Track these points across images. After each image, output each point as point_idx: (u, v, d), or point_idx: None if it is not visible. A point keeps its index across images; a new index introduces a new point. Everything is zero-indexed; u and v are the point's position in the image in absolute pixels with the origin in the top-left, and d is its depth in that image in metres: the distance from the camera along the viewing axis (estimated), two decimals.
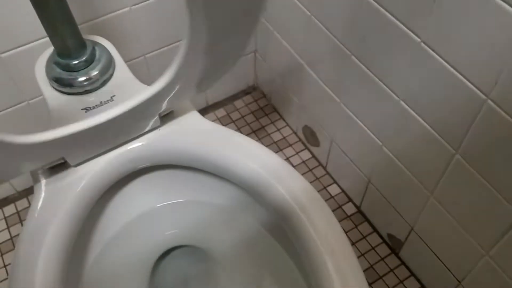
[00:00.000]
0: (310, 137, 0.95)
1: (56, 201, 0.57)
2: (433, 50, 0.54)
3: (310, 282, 0.55)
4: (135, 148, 0.60)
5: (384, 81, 0.65)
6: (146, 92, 0.52)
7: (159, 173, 0.65)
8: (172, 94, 0.55)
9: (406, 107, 0.63)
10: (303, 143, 0.99)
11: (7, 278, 0.86)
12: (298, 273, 0.64)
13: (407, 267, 0.83)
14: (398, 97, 0.64)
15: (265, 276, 0.68)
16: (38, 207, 0.57)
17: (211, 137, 0.61)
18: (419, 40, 0.55)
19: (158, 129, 0.61)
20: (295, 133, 1.00)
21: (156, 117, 0.60)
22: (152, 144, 0.61)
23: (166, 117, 0.62)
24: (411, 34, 0.56)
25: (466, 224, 0.63)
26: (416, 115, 0.62)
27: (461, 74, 0.52)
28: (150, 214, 0.70)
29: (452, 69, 0.52)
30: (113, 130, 0.56)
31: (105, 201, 0.65)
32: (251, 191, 0.58)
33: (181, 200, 0.69)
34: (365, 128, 0.74)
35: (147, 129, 0.60)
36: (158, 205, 0.69)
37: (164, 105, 0.57)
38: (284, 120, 1.03)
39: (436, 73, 0.55)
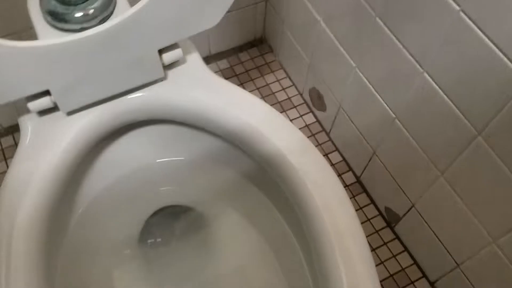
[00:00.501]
0: (316, 100, 0.90)
1: (43, 148, 0.53)
2: (473, 22, 0.49)
3: (304, 237, 0.53)
4: (135, 99, 0.55)
5: (409, 49, 0.60)
6: (140, 3, 0.47)
7: (157, 127, 0.61)
8: (172, 18, 0.49)
9: (430, 80, 0.58)
10: (308, 106, 0.94)
11: None
12: (288, 228, 0.62)
13: (401, 242, 0.82)
14: (422, 69, 0.59)
15: (254, 232, 0.65)
16: (23, 153, 0.53)
17: (217, 95, 0.56)
18: (458, 8, 0.50)
19: (162, 80, 0.56)
20: (301, 94, 0.95)
21: (160, 66, 0.54)
22: (153, 96, 0.56)
23: (171, 69, 0.57)
24: (450, 0, 0.50)
25: (475, 209, 0.60)
26: (439, 90, 0.57)
27: (503, 53, 0.47)
28: (143, 170, 0.66)
29: (492, 46, 0.48)
30: (107, 63, 0.50)
31: (98, 151, 0.61)
32: (252, 152, 0.54)
33: (178, 158, 0.65)
34: (379, 98, 0.70)
35: (150, 79, 0.55)
36: (153, 161, 0.65)
37: (166, 38, 0.52)
38: (290, 79, 0.97)
39: (472, 48, 0.50)
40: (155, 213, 0.68)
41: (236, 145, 0.57)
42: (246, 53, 1.01)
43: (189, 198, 0.66)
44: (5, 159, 0.89)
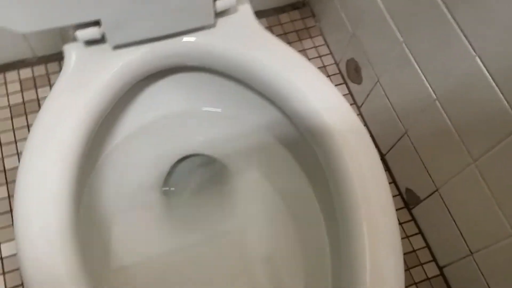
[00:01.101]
0: (352, 72, 0.89)
1: (85, 78, 0.53)
2: None
3: (328, 202, 0.53)
4: (183, 42, 0.55)
5: (464, 30, 0.58)
6: None
7: (198, 75, 0.60)
8: None
9: (481, 66, 0.57)
10: (342, 77, 0.93)
11: (14, 142, 0.84)
12: (312, 191, 0.62)
13: (417, 225, 0.82)
14: (475, 53, 0.57)
15: (276, 191, 0.66)
16: (65, 82, 0.53)
17: (264, 49, 0.55)
18: None
19: (210, 28, 0.55)
20: (337, 64, 0.94)
21: (211, 11, 0.54)
22: (200, 42, 0.55)
23: (221, 17, 0.56)
24: None
25: (502, 202, 0.60)
26: (489, 78, 0.56)
27: None
28: (177, 116, 0.66)
29: None
30: (161, 1, 0.50)
31: (137, 90, 0.61)
32: (291, 113, 0.54)
33: (215, 109, 0.65)
34: (422, 76, 0.69)
35: (199, 24, 0.54)
36: (188, 109, 0.65)
37: None
38: (328, 47, 0.96)
39: None
40: (181, 160, 0.68)
41: (274, 103, 0.57)
42: (286, 15, 0.99)
43: (217, 150, 0.66)
44: (36, 88, 0.89)
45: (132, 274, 0.59)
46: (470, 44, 0.58)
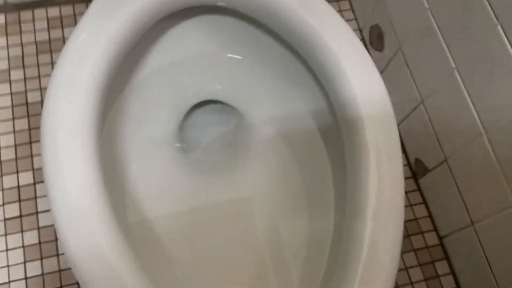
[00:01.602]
0: (375, 39, 0.89)
1: (112, 10, 0.53)
2: None
3: (339, 157, 0.55)
4: None
5: (491, 2, 0.58)
6: None
7: (224, 19, 0.61)
8: None
9: (503, 36, 0.57)
10: (365, 43, 0.93)
11: (38, 77, 0.86)
12: (324, 147, 0.63)
13: (422, 195, 0.84)
14: (497, 21, 0.57)
15: (288, 145, 0.67)
16: (89, 18, 0.54)
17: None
18: None
19: None
20: (361, 30, 0.94)
21: None
22: None
23: None
24: None
25: (509, 173, 0.61)
26: (510, 49, 0.56)
27: None
28: (198, 59, 0.67)
29: None
30: None
31: (161, 29, 0.62)
32: (319, 72, 0.55)
33: (236, 56, 0.66)
34: (444, 45, 0.69)
35: None
36: (210, 53, 0.66)
37: None
38: (353, 12, 0.95)
39: None
40: (198, 105, 0.69)
41: (298, 54, 0.57)
42: None
43: (235, 97, 0.67)
44: (62, 27, 0.91)
45: (151, 227, 0.61)
46: (494, 13, 0.58)
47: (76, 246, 0.44)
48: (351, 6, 0.96)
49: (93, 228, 0.44)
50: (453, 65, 0.68)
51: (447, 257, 0.79)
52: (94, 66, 0.52)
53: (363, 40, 0.93)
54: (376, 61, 0.91)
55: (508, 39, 0.56)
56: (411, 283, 0.78)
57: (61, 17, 0.92)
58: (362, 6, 0.92)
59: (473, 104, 0.65)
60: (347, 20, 0.95)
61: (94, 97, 0.51)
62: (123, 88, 0.65)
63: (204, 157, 0.71)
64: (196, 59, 0.65)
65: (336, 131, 0.56)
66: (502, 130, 0.61)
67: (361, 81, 0.52)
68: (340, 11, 0.96)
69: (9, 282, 0.72)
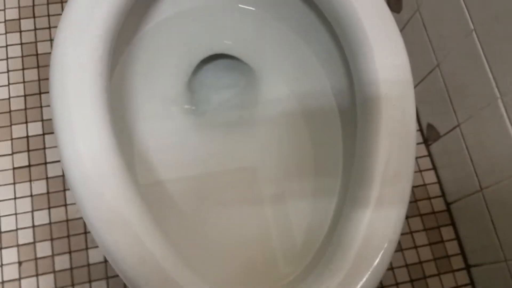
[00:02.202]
0: (393, 0, 0.86)
1: None
2: None
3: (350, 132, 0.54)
4: None
5: None
6: None
7: None
8: None
9: None
10: None
11: (49, 28, 0.85)
12: (336, 107, 0.62)
13: (432, 161, 0.83)
14: None
15: (299, 105, 0.65)
16: None
17: None
18: None
19: None
20: None
21: None
22: None
23: None
24: None
25: None
26: None
27: None
28: (210, 9, 0.65)
29: None
30: None
31: None
32: (333, 19, 0.53)
33: (250, 7, 0.64)
34: (464, 6, 0.66)
35: None
36: (222, 3, 0.64)
37: None
38: None
39: None
40: (208, 59, 0.68)
41: (316, 9, 0.56)
42: None
43: (246, 52, 0.66)
44: None
45: (159, 188, 0.60)
46: None
47: (94, 209, 0.43)
48: None
49: (109, 189, 0.43)
50: (472, 27, 0.66)
51: (453, 223, 0.79)
52: (103, 12, 0.51)
53: None
54: None
55: None
56: (415, 247, 0.78)
57: None
58: None
59: (490, 68, 0.63)
60: None
61: (103, 44, 0.50)
62: (132, 38, 0.64)
63: (213, 116, 0.70)
64: (206, 9, 0.64)
65: (351, 98, 0.55)
66: None
67: (385, 56, 0.50)
68: None
69: (17, 229, 0.73)
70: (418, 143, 0.84)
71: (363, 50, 0.49)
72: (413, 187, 0.82)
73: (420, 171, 0.82)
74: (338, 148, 0.61)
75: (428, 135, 0.83)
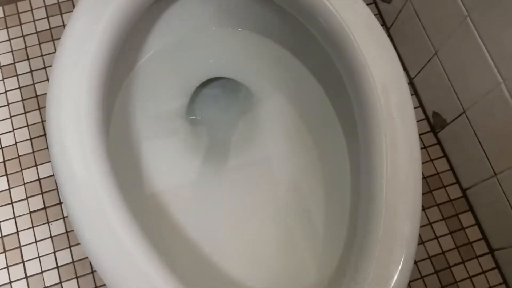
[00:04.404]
0: None
1: None
2: None
3: (351, 123, 0.53)
4: None
5: None
6: None
7: None
8: None
9: None
10: None
11: (44, 68, 0.86)
12: (335, 115, 0.62)
13: (442, 148, 0.82)
14: None
15: (299, 117, 0.66)
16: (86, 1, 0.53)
17: None
18: None
19: None
20: None
21: None
22: None
23: None
24: None
25: None
26: None
27: None
28: (200, 36, 0.65)
29: None
30: None
31: (161, 7, 0.60)
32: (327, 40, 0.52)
33: (239, 29, 0.63)
34: None
35: None
36: (213, 28, 0.64)
37: None
38: None
39: None
40: (205, 83, 0.68)
41: (299, 22, 0.55)
42: None
43: (240, 73, 0.66)
44: (61, 14, 0.89)
45: (164, 201, 0.61)
46: None
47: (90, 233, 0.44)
48: None
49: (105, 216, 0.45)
50: (466, 13, 0.64)
51: (471, 209, 0.78)
52: (95, 48, 0.51)
53: None
54: (385, 14, 0.88)
55: None
56: (436, 237, 0.77)
57: (59, 4, 0.90)
58: None
59: (489, 52, 0.62)
60: None
61: (98, 79, 0.51)
62: (130, 69, 0.64)
63: (215, 136, 0.70)
64: (198, 35, 0.64)
65: (350, 113, 0.55)
66: None
67: (371, 51, 0.50)
68: None
69: (42, 272, 0.75)
70: (426, 132, 0.83)
71: (357, 65, 0.48)
72: (426, 177, 0.81)
73: (432, 160, 0.82)
74: (344, 157, 0.61)
75: (434, 123, 0.82)
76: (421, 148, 0.82)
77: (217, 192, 0.64)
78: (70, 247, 0.76)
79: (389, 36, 0.87)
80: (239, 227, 0.62)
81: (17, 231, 0.76)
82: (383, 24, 0.88)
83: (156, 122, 0.66)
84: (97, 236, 0.44)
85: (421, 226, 0.78)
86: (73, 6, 0.90)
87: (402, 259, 0.44)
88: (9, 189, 0.79)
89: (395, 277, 0.42)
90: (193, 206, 0.63)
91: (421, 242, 0.77)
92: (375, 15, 0.88)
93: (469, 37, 0.65)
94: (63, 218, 0.77)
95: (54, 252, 0.75)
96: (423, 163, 0.81)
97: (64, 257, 0.75)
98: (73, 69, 0.49)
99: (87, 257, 0.75)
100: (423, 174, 0.81)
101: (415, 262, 0.76)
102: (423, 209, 0.79)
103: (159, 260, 0.43)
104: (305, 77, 0.63)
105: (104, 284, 0.74)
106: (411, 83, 0.85)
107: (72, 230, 0.76)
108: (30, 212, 0.77)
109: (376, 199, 0.47)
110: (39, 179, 0.79)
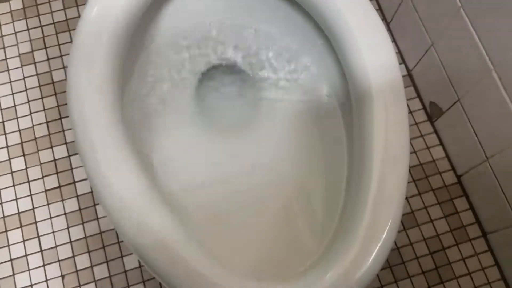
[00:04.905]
0: None
1: None
2: None
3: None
4: None
5: None
6: None
7: None
8: None
9: None
10: None
11: (60, 56, 0.90)
12: (340, 112, 0.66)
13: (438, 137, 0.86)
14: None
15: (305, 112, 0.70)
16: None
17: None
18: None
19: None
20: None
21: None
22: None
23: None
24: None
25: None
26: None
27: None
28: (210, 25, 0.70)
29: None
30: None
31: None
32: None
33: (251, 26, 0.68)
34: None
35: None
36: (221, 19, 0.69)
37: None
38: None
39: None
40: (213, 67, 0.72)
41: (306, 13, 0.59)
42: None
43: (247, 61, 0.70)
44: (77, 5, 0.94)
45: (179, 198, 0.65)
46: None
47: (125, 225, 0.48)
48: None
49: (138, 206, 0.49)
50: (459, 4, 0.68)
51: (465, 194, 0.82)
52: (109, 34, 0.55)
53: None
54: (385, 9, 0.92)
55: None
56: (431, 220, 0.81)
57: None
58: None
59: (481, 41, 0.66)
60: None
61: (112, 64, 0.55)
62: (141, 53, 0.68)
63: (222, 121, 0.74)
64: (210, 24, 0.68)
65: (347, 98, 0.58)
66: (509, 63, 0.62)
67: (372, 52, 0.53)
68: None
69: (56, 246, 0.79)
70: (423, 121, 0.87)
71: (352, 50, 0.52)
72: (423, 163, 0.85)
73: (428, 147, 0.85)
74: (342, 137, 0.65)
75: (431, 112, 0.86)
76: (418, 137, 0.86)
77: (226, 190, 0.67)
78: (83, 223, 0.80)
79: (389, 30, 0.91)
80: (248, 206, 0.65)
81: (33, 208, 0.81)
82: (383, 18, 0.92)
83: (165, 112, 0.69)
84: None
85: (417, 210, 0.82)
86: None
87: (390, 221, 0.47)
88: (26, 168, 0.83)
89: (384, 235, 0.46)
90: (203, 194, 0.66)
91: (417, 224, 0.81)
92: (376, 10, 0.93)
93: (463, 28, 0.69)
94: (77, 196, 0.81)
95: (68, 228, 0.80)
96: (419, 150, 0.85)
97: (77, 232, 0.79)
98: (89, 56, 0.53)
99: (98, 233, 0.79)
100: (419, 161, 0.85)
101: (411, 244, 0.80)
102: (419, 194, 0.83)
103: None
104: (309, 70, 0.67)
105: (115, 258, 0.78)
106: (409, 75, 0.89)
107: (85, 208, 0.81)
108: (46, 190, 0.82)
109: (367, 167, 0.50)
110: (54, 160, 0.84)
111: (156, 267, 0.47)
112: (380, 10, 0.92)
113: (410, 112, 0.88)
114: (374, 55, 0.52)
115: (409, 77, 0.89)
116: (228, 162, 0.68)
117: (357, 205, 0.49)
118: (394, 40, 0.91)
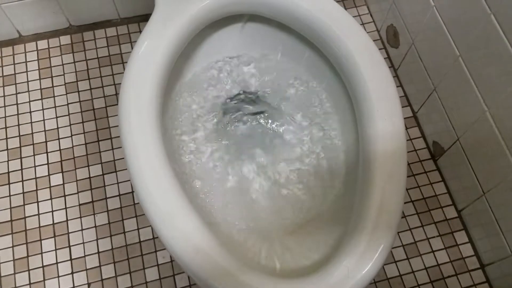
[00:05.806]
0: (391, 38, 0.99)
1: (170, 19, 0.67)
2: None
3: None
4: None
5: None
6: None
7: (252, 25, 0.75)
8: None
9: (497, 25, 0.67)
10: (382, 42, 1.03)
11: (102, 87, 1.01)
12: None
13: (441, 174, 0.93)
14: (490, 11, 0.67)
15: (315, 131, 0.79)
16: (149, 29, 0.67)
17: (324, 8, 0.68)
18: None
19: None
20: (378, 31, 1.05)
21: None
22: None
23: None
24: None
25: (510, 142, 0.70)
26: (502, 35, 0.66)
27: None
28: (233, 58, 0.80)
29: None
30: None
31: (201, 37, 0.75)
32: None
33: (271, 56, 0.79)
34: (449, 35, 0.78)
35: None
36: (241, 53, 0.79)
37: None
38: (371, 15, 1.06)
39: None
40: (236, 95, 0.82)
41: (315, 48, 0.70)
42: None
43: (266, 89, 0.80)
44: (119, 44, 1.06)
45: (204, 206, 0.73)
46: (487, 3, 0.67)
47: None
48: (369, 10, 1.07)
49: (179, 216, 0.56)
50: (458, 53, 0.77)
51: (465, 228, 0.88)
52: (155, 67, 0.65)
53: (381, 39, 1.04)
54: (393, 58, 1.02)
55: (501, 27, 0.66)
56: (433, 251, 0.86)
57: (118, 36, 1.07)
58: (378, 9, 1.03)
59: (476, 85, 0.75)
60: (366, 23, 1.07)
61: (157, 90, 0.64)
62: (177, 83, 0.78)
63: (243, 141, 0.82)
64: (235, 58, 0.79)
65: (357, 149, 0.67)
66: (501, 104, 0.70)
67: (384, 119, 0.62)
68: (359, 15, 1.07)
69: (85, 256, 0.86)
70: (427, 159, 0.94)
71: (368, 111, 0.62)
72: (426, 198, 0.91)
73: (431, 183, 0.92)
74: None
75: (434, 151, 0.93)
76: (422, 173, 0.93)
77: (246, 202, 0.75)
78: (111, 236, 0.87)
79: (396, 76, 1.00)
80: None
81: (67, 220, 0.89)
82: (391, 66, 1.01)
83: (193, 135, 0.78)
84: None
85: (419, 241, 0.88)
86: (130, 38, 1.07)
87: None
88: (63, 184, 0.92)
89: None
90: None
91: (419, 254, 0.86)
92: (384, 59, 1.03)
93: (461, 73, 0.78)
94: (107, 211, 0.89)
95: (97, 240, 0.87)
96: (423, 185, 0.92)
97: (104, 244, 0.87)
98: (139, 85, 0.63)
99: (124, 246, 0.87)
100: (423, 195, 0.91)
101: (413, 272, 0.85)
102: (422, 225, 0.89)
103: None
104: (319, 99, 0.77)
105: (137, 270, 0.85)
106: (414, 117, 0.97)
107: (114, 222, 0.88)
108: (80, 205, 0.90)
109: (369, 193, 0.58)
110: (89, 177, 0.93)
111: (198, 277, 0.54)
112: (389, 58, 1.02)
113: (415, 150, 0.95)
114: (386, 124, 0.61)
115: (414, 119, 0.97)
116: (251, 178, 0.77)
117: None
118: (400, 84, 1.00)
